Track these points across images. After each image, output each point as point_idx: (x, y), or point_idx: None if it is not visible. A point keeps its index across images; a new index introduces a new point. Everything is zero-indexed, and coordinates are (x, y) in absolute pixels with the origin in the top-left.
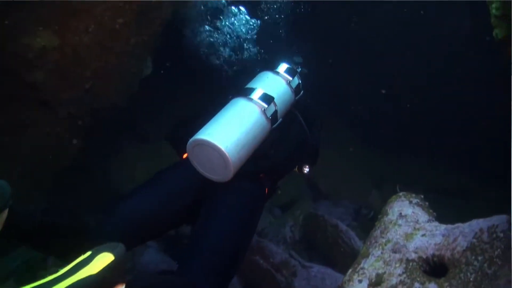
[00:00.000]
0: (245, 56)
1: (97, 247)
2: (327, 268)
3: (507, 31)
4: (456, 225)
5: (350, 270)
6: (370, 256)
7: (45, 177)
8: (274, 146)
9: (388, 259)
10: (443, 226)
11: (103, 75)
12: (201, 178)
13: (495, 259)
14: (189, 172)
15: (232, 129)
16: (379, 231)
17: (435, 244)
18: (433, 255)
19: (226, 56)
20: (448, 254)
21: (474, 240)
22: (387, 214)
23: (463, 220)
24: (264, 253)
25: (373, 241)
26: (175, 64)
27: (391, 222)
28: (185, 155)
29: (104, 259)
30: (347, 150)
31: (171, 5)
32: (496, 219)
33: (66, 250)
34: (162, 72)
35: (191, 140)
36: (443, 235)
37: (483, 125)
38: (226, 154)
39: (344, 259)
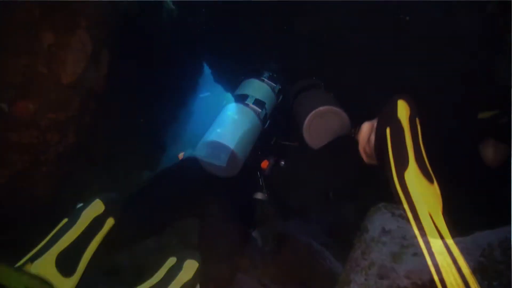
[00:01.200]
0: None
1: (179, 253)
2: None
3: None
4: (455, 240)
5: None
6: (351, 284)
7: None
8: (263, 144)
9: (374, 287)
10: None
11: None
12: (205, 174)
13: None
14: (194, 169)
15: (236, 131)
16: (359, 251)
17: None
18: (432, 281)
19: None
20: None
21: (483, 259)
22: (367, 231)
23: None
24: None
25: (353, 264)
26: (129, 69)
27: (373, 240)
28: (180, 155)
29: (192, 265)
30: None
31: None
32: (506, 230)
33: None
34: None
35: (202, 141)
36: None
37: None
38: (236, 153)
39: (321, 284)
